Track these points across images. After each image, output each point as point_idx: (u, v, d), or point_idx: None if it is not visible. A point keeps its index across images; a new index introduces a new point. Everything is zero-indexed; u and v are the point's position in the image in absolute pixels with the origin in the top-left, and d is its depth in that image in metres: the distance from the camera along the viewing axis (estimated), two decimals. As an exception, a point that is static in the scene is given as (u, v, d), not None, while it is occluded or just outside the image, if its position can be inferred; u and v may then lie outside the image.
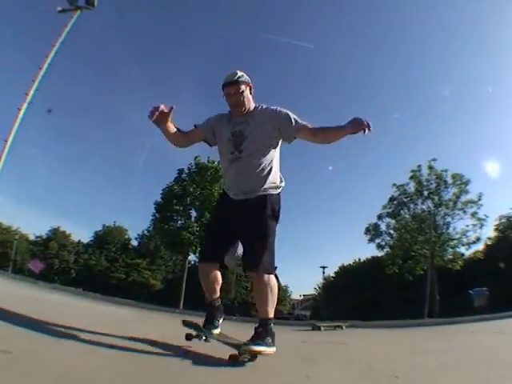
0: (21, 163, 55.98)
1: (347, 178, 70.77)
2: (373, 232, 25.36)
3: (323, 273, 35.07)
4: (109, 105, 74.64)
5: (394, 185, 25.28)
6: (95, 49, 67.85)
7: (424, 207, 24.27)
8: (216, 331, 2.41)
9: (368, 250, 39.68)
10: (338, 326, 6.09)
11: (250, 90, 2.45)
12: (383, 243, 25.08)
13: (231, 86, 2.36)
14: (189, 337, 2.48)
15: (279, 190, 2.45)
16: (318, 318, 23.91)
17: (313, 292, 42.83)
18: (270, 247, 2.28)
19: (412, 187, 24.69)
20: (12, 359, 1.41)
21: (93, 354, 1.82)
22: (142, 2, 62.43)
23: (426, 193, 24.18)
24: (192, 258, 24.65)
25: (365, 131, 2.13)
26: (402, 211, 24.82)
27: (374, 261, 28.93)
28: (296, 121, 2.37)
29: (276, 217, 2.37)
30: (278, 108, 2.43)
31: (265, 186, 2.35)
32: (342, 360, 2.70)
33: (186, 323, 2.50)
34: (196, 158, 24.11)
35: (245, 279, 36.32)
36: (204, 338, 2.48)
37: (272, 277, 2.25)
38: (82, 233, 72.37)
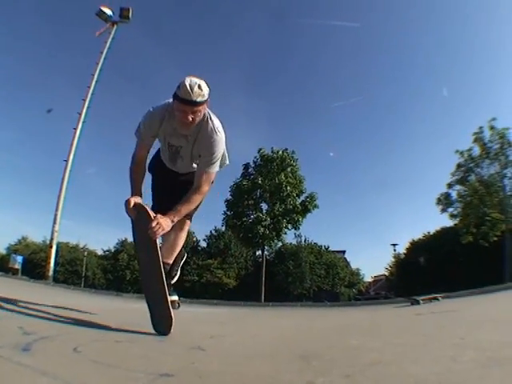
0: (80, 183, 62.46)
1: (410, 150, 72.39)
2: (445, 202, 26.29)
3: (394, 250, 36.66)
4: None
5: (457, 151, 26.13)
6: (136, 60, 73.60)
7: (491, 171, 24.95)
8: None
9: (437, 222, 40.34)
10: (435, 299, 6.37)
11: (207, 104, 2.39)
12: (455, 212, 26.02)
13: (188, 106, 2.27)
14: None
15: None
16: (395, 295, 25.89)
17: (383, 272, 44.47)
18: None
19: (477, 151, 25.35)
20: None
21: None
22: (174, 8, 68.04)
23: (491, 154, 24.71)
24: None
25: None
26: (469, 177, 25.63)
27: (444, 232, 30.25)
28: (211, 168, 2.54)
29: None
30: (215, 141, 2.49)
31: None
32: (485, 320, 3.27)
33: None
34: (260, 150, 24.93)
35: (318, 267, 38.52)
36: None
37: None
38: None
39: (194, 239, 44.97)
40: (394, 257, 37.53)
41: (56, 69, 73.64)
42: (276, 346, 2.24)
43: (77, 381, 1.21)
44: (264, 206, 24.76)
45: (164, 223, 2.25)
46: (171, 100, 2.43)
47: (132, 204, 2.32)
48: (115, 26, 17.65)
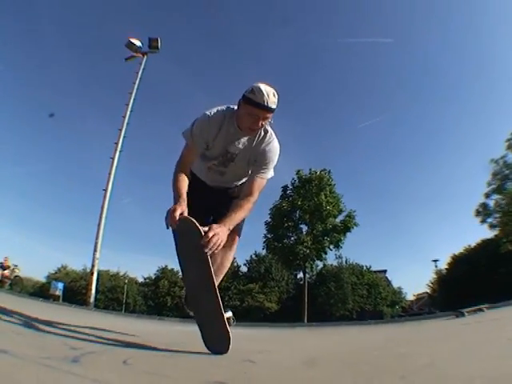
0: (117, 212, 64.15)
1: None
2: (483, 212, 25.39)
3: (436, 266, 34.93)
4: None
5: (492, 160, 25.29)
6: (166, 88, 78.08)
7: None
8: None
9: (478, 233, 38.48)
10: (480, 310, 6.16)
11: None
12: (494, 222, 25.05)
13: (264, 112, 2.19)
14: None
15: None
16: (439, 311, 24.85)
17: (425, 290, 42.75)
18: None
19: (511, 157, 24.46)
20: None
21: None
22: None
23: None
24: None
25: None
26: (506, 185, 24.61)
27: (485, 243, 28.92)
28: (265, 174, 2.42)
29: None
30: (274, 148, 2.43)
31: (238, 184, 2.71)
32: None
33: None
34: (298, 171, 24.98)
35: (360, 287, 37.54)
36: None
37: None
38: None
39: (235, 264, 44.52)
40: (436, 273, 36.06)
41: (89, 100, 78.92)
42: (325, 357, 2.20)
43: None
44: (304, 228, 24.37)
45: (221, 232, 1.99)
46: (225, 107, 2.40)
47: (178, 214, 1.98)
48: (145, 57, 17.89)
